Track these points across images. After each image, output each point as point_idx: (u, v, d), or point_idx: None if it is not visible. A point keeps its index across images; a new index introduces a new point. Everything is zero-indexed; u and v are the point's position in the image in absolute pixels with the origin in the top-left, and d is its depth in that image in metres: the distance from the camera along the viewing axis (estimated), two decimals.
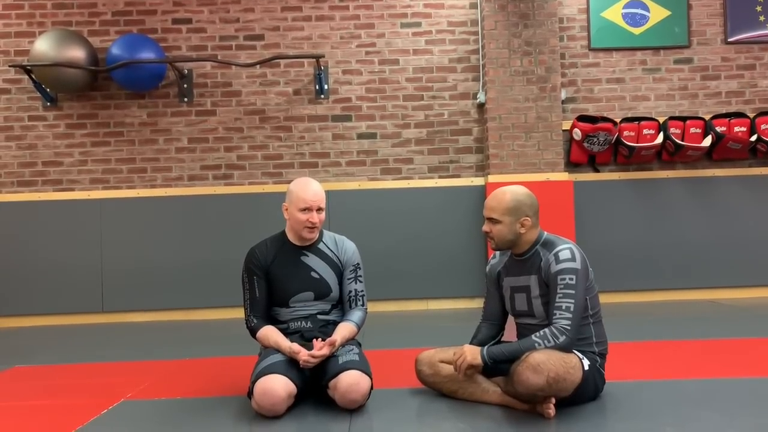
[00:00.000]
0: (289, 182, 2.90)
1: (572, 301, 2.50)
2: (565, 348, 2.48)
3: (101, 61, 5.59)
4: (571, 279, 2.52)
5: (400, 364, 3.23)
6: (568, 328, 2.48)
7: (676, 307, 5.34)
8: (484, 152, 5.74)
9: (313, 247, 2.89)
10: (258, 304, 2.84)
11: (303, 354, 2.61)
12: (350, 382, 2.56)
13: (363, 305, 2.91)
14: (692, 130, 5.65)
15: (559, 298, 2.52)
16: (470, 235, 5.51)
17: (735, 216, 5.73)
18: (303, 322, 2.83)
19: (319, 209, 2.79)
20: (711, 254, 5.69)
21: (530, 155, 5.55)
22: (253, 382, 2.59)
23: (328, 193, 3.02)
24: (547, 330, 2.50)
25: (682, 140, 5.62)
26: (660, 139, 5.60)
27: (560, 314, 2.50)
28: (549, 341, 2.47)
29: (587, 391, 2.58)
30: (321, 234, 2.94)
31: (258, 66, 5.68)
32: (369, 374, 2.65)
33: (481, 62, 5.74)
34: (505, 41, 5.56)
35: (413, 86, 5.79)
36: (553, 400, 2.44)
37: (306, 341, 2.75)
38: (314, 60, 5.62)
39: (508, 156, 5.55)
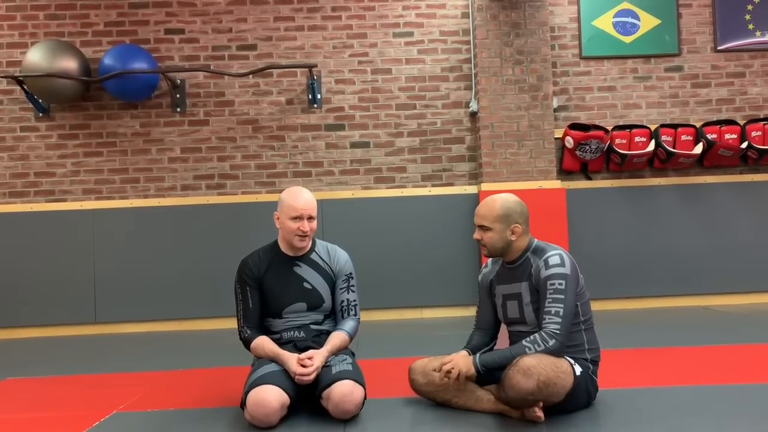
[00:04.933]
0: (282, 192, 2.90)
1: (561, 305, 2.51)
2: (556, 352, 2.49)
3: (94, 72, 5.60)
4: (560, 284, 2.53)
5: (393, 373, 3.22)
6: (558, 332, 2.49)
7: (668, 313, 5.35)
8: (476, 160, 5.76)
9: (305, 258, 2.89)
10: (251, 314, 2.84)
11: (299, 372, 2.60)
12: (343, 392, 2.56)
13: (356, 315, 2.91)
14: (683, 137, 5.69)
15: (549, 303, 2.53)
16: (464, 244, 5.52)
17: (727, 222, 5.76)
18: (296, 332, 2.83)
19: (310, 218, 2.79)
20: (703, 261, 5.71)
21: (523, 163, 5.57)
22: (246, 393, 2.58)
23: (321, 202, 3.03)
24: (536, 335, 2.52)
25: (674, 148, 5.65)
26: (652, 146, 5.63)
27: (550, 319, 2.51)
28: (539, 345, 2.48)
29: (580, 398, 2.59)
30: (314, 244, 2.94)
31: (251, 76, 5.69)
32: (362, 384, 2.64)
33: (473, 71, 5.77)
34: (497, 50, 5.59)
35: (406, 95, 5.81)
36: (540, 404, 2.44)
37: (299, 351, 2.75)
38: (307, 69, 5.64)
39: (501, 164, 5.57)
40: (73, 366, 4.17)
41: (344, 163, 5.78)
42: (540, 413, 2.44)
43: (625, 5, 5.87)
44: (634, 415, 2.58)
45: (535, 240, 2.74)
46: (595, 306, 2.88)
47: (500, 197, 2.73)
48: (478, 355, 2.62)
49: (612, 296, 5.61)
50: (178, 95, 5.72)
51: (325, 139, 5.78)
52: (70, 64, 5.42)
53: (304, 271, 2.86)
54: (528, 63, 5.59)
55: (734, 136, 5.70)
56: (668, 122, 5.83)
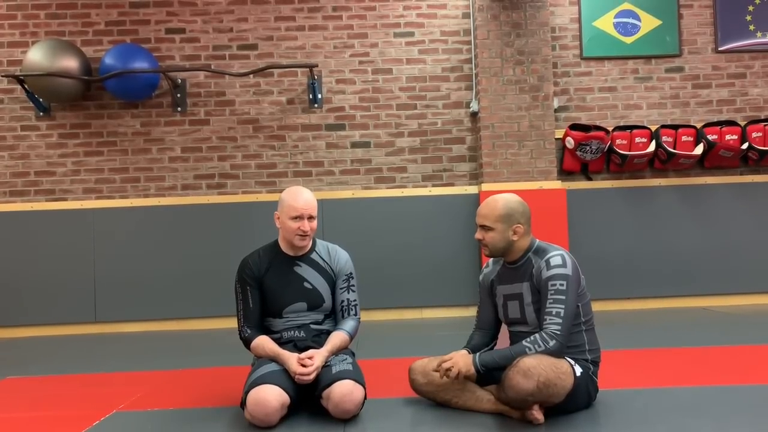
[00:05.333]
0: (282, 191, 2.90)
1: (562, 306, 2.51)
2: (556, 353, 2.49)
3: (94, 71, 5.60)
4: (561, 285, 2.53)
5: (393, 373, 3.22)
6: (558, 332, 2.49)
7: (669, 314, 5.35)
8: (477, 161, 5.76)
9: (306, 257, 2.89)
10: (251, 314, 2.83)
11: (299, 372, 2.60)
12: (343, 392, 2.56)
13: (356, 314, 2.91)
14: (684, 138, 5.69)
15: (550, 303, 2.53)
16: (464, 244, 5.52)
17: (727, 223, 5.76)
18: (296, 332, 2.83)
19: (310, 217, 2.79)
20: (703, 261, 5.71)
21: (523, 164, 5.57)
22: (246, 392, 2.58)
23: (321, 202, 3.03)
24: (537, 335, 2.52)
25: (674, 148, 5.65)
26: (652, 147, 5.63)
27: (550, 319, 2.51)
28: (539, 346, 2.48)
29: (580, 399, 2.59)
30: (314, 243, 2.94)
31: (251, 75, 5.69)
32: (362, 384, 2.64)
33: (473, 71, 5.77)
34: (497, 50, 5.59)
35: (406, 95, 5.81)
36: (537, 406, 2.43)
37: (299, 350, 2.75)
38: (308, 69, 5.64)
39: (502, 164, 5.57)
40: (73, 365, 4.17)
41: (345, 162, 5.78)
42: (539, 415, 2.44)
43: (626, 6, 5.87)
44: (634, 416, 2.58)
45: (537, 240, 2.74)
46: (596, 306, 2.88)
47: (502, 197, 2.73)
48: (478, 354, 2.62)
49: (612, 297, 5.60)
50: (178, 95, 5.71)
51: (325, 139, 5.78)
52: (70, 63, 5.42)
53: (304, 270, 2.86)
54: (529, 63, 5.59)
55: (735, 137, 5.70)
56: (669, 123, 5.83)
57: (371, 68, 5.81)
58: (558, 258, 2.59)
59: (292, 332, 2.83)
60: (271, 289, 2.83)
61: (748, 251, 5.73)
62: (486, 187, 5.47)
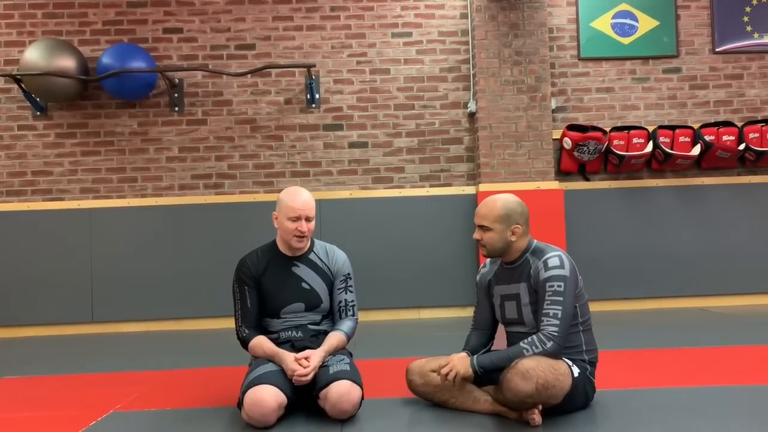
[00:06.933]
0: (280, 191, 2.90)
1: (560, 307, 2.51)
2: (554, 354, 2.49)
3: (91, 71, 5.59)
4: (559, 286, 2.53)
5: (391, 373, 3.22)
6: (556, 334, 2.49)
7: (666, 315, 5.36)
8: (475, 161, 5.76)
9: (303, 258, 2.88)
10: (249, 314, 2.83)
11: (296, 373, 2.60)
12: (341, 392, 2.55)
13: (353, 315, 2.91)
14: (681, 139, 5.70)
15: (547, 304, 2.53)
16: (462, 244, 5.52)
17: (724, 223, 5.77)
18: (294, 332, 2.83)
19: (308, 218, 2.78)
20: (701, 262, 5.72)
21: (521, 164, 5.58)
22: (244, 393, 2.58)
23: (319, 202, 3.03)
24: (534, 336, 2.52)
25: (672, 149, 5.66)
26: (649, 147, 5.64)
27: (548, 321, 2.51)
28: (537, 347, 2.48)
29: (577, 400, 2.59)
30: (312, 243, 2.94)
31: (249, 75, 5.69)
32: (360, 384, 2.64)
33: (471, 72, 5.77)
34: (495, 51, 5.60)
35: (404, 95, 5.81)
36: (540, 407, 2.44)
37: (296, 351, 2.75)
38: (305, 69, 5.63)
39: (499, 165, 5.57)
40: (70, 365, 4.16)
41: (342, 163, 5.78)
42: (537, 418, 2.43)
43: (624, 6, 5.88)
44: (631, 417, 2.58)
45: (535, 241, 2.74)
46: (593, 307, 2.88)
47: (501, 197, 2.72)
48: (475, 357, 2.62)
49: (609, 297, 5.61)
50: (176, 94, 5.71)
51: (323, 139, 5.78)
52: (68, 62, 5.41)
53: (302, 271, 2.86)
54: (526, 64, 5.59)
55: (732, 137, 5.71)
56: (666, 124, 5.84)
57: (369, 68, 5.81)
58: (556, 259, 2.59)
59: (290, 332, 2.83)
60: (269, 289, 2.83)
61: (745, 252, 5.74)
62: (483, 187, 5.48)
